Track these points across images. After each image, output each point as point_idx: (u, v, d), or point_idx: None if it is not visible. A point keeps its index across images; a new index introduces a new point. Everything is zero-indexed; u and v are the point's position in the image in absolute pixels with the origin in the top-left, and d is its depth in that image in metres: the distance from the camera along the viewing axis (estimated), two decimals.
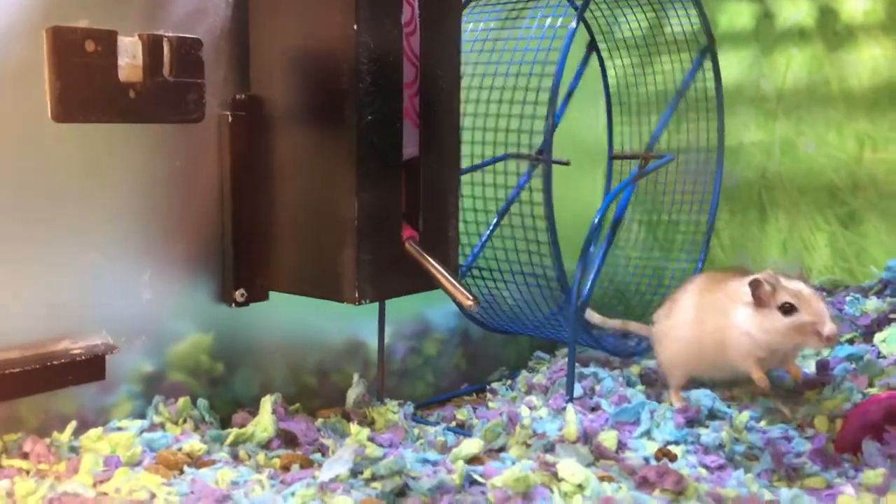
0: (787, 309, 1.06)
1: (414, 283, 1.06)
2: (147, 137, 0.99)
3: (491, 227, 1.30)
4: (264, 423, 1.02)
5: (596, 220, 1.21)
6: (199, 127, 1.02)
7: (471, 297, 1.02)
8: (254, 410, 1.07)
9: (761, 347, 1.09)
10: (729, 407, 1.14)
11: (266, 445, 1.00)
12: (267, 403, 1.04)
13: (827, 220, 1.48)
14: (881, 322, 1.29)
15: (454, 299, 1.05)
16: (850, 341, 1.30)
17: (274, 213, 1.05)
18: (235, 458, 0.96)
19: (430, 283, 1.05)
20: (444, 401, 1.36)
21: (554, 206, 1.16)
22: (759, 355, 1.10)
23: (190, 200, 1.03)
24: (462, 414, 1.24)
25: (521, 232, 1.19)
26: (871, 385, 1.15)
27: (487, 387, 1.38)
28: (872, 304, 1.33)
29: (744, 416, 1.11)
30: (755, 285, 1.08)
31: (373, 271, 1.00)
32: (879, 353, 1.24)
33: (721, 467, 1.00)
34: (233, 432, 0.99)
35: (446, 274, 1.03)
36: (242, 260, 1.06)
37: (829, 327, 1.04)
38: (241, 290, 1.07)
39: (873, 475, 0.96)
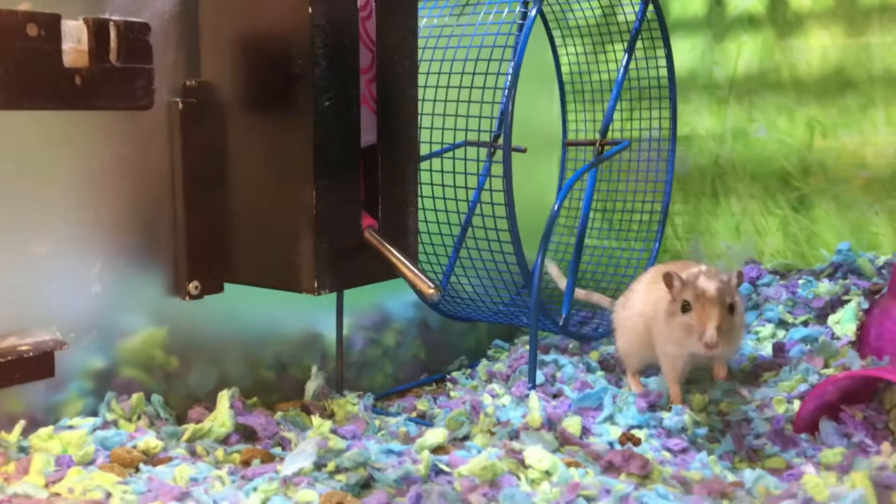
0: (685, 308, 1.02)
1: (374, 273, 1.04)
2: (93, 125, 0.95)
3: (463, 225, 1.29)
4: (222, 417, 0.99)
5: (556, 207, 1.20)
6: (147, 114, 0.98)
7: (432, 285, 1.01)
8: (210, 405, 1.04)
9: (669, 346, 1.08)
10: (688, 391, 1.15)
11: (224, 441, 0.98)
12: (224, 398, 1.01)
13: (778, 204, 1.50)
14: (834, 304, 1.31)
15: (416, 288, 1.04)
16: (805, 323, 1.32)
17: (228, 203, 1.02)
18: (193, 454, 0.93)
19: (390, 272, 1.04)
20: (403, 391, 1.35)
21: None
22: (676, 354, 1.09)
23: (140, 190, 0.99)
24: (423, 404, 1.23)
25: (480, 219, 1.18)
26: (826, 366, 1.17)
27: (447, 376, 1.37)
28: (825, 287, 1.35)
29: (703, 399, 1.12)
30: (666, 279, 1.05)
31: (332, 261, 0.98)
32: (833, 334, 1.26)
33: (684, 450, 1.01)
34: (190, 428, 0.96)
35: (407, 262, 1.02)
36: (196, 251, 1.03)
37: (708, 333, 0.98)
38: (195, 283, 1.04)
39: (831, 454, 0.98)
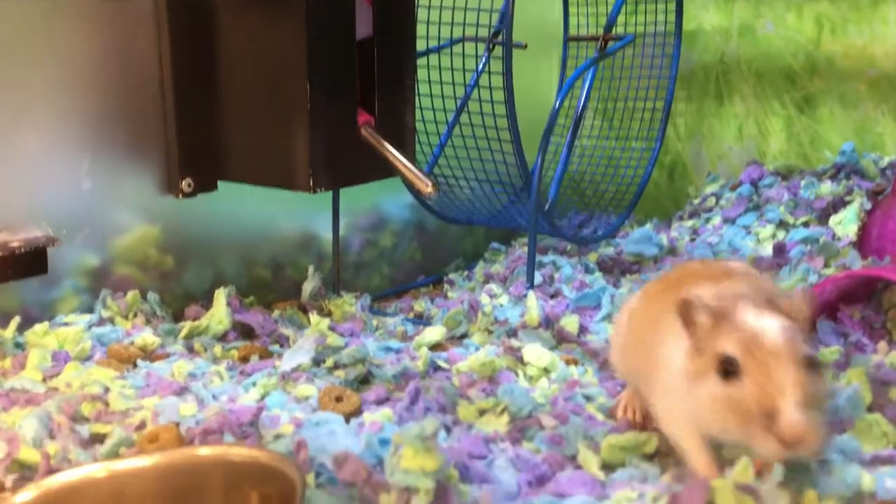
0: (727, 369, 0.59)
1: (371, 171, 1.02)
2: (77, 13, 0.91)
3: (451, 121, 1.26)
4: (219, 315, 0.99)
5: (557, 105, 1.17)
6: (134, 1, 0.94)
7: (430, 184, 0.99)
8: (207, 304, 1.03)
9: (693, 421, 0.64)
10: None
11: (222, 338, 0.97)
12: (221, 296, 1.01)
13: (783, 104, 1.47)
14: (836, 205, 1.30)
15: (413, 187, 1.02)
16: (806, 224, 1.31)
17: (220, 97, 0.99)
18: (191, 350, 0.93)
19: (387, 171, 1.01)
20: (400, 293, 1.34)
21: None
22: (696, 432, 0.64)
23: (127, 83, 0.96)
24: (420, 305, 1.22)
25: (479, 118, 1.15)
26: (826, 266, 1.16)
27: (444, 278, 1.36)
28: (827, 188, 1.34)
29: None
30: (682, 309, 0.62)
31: (327, 158, 0.96)
32: (835, 234, 1.25)
33: None
34: (187, 325, 0.96)
35: (405, 160, 0.99)
36: (187, 147, 1.00)
37: (790, 418, 0.55)
38: (188, 180, 1.02)
39: (828, 352, 0.98)
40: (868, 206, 1.26)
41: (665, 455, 0.72)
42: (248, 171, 1.01)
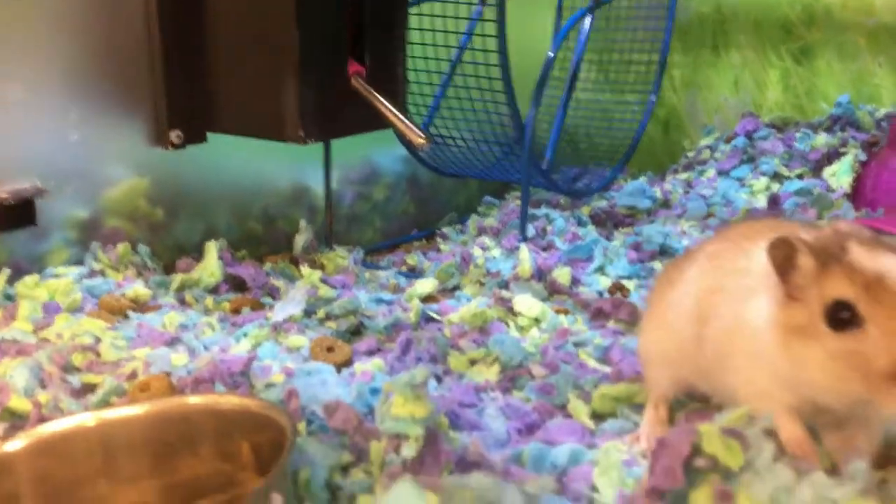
0: (842, 318, 0.50)
1: (362, 122, 1.01)
2: None
3: (447, 73, 1.24)
4: (211, 267, 0.98)
5: (551, 54, 1.16)
6: None
7: (423, 135, 0.98)
8: (198, 257, 1.03)
9: (789, 387, 0.53)
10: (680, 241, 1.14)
11: (214, 290, 0.97)
12: (212, 248, 1.00)
13: (780, 56, 1.45)
14: (831, 157, 1.29)
15: (405, 138, 1.01)
16: (800, 176, 1.30)
17: (208, 47, 0.97)
18: (182, 302, 0.93)
19: (379, 122, 1.00)
20: (393, 246, 1.34)
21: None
22: (789, 401, 0.54)
23: (114, 33, 0.94)
24: (412, 259, 1.22)
25: (472, 68, 1.14)
26: (820, 218, 1.16)
27: (437, 231, 1.36)
28: (822, 140, 1.33)
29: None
30: (778, 251, 0.53)
31: (318, 108, 0.95)
32: (829, 186, 1.24)
33: None
34: (178, 277, 0.96)
35: (396, 111, 0.98)
36: (176, 98, 0.99)
37: None
38: (177, 132, 1.00)
39: None
40: (863, 157, 1.26)
41: None
42: (237, 122, 0.99)
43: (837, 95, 1.39)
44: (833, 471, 0.53)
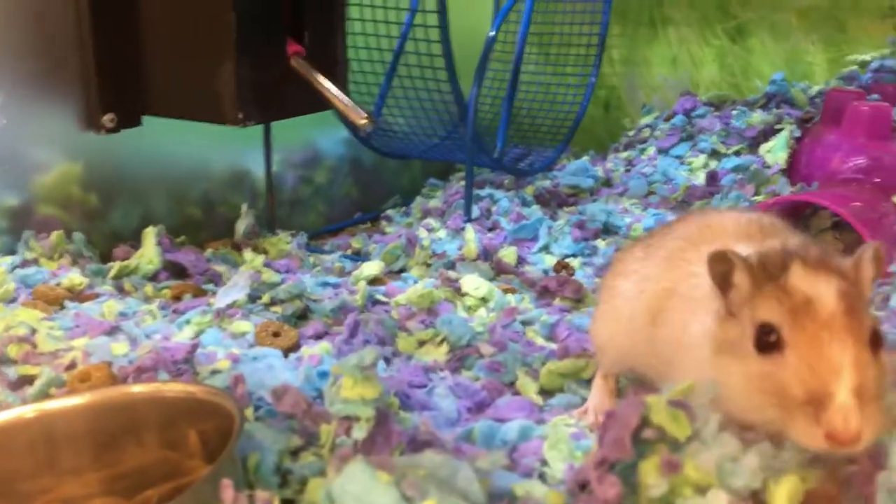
0: (768, 341, 0.49)
1: (303, 104, 0.99)
2: None
3: (396, 52, 1.22)
4: (149, 254, 0.96)
5: (492, 34, 1.15)
6: None
7: (365, 115, 0.97)
8: (136, 244, 1.00)
9: (718, 405, 0.52)
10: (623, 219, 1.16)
11: (153, 278, 0.95)
12: (150, 235, 0.98)
13: (716, 34, 1.47)
14: (767, 133, 1.32)
15: (348, 119, 1.00)
16: (737, 153, 1.33)
17: (142, 26, 0.94)
18: (121, 290, 0.90)
19: (320, 104, 0.99)
20: (337, 230, 1.32)
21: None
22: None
23: (41, 12, 0.91)
24: (357, 242, 1.21)
25: (415, 48, 1.13)
26: (757, 193, 1.19)
27: (382, 214, 1.35)
28: (758, 117, 1.36)
29: (638, 228, 1.13)
30: (716, 266, 0.52)
31: (256, 90, 0.93)
32: (765, 162, 1.27)
33: None
34: (116, 265, 0.93)
35: (338, 92, 0.97)
36: (108, 80, 0.95)
37: (843, 408, 0.45)
38: (110, 115, 0.97)
39: None
40: (797, 134, 1.28)
41: None
42: (174, 104, 0.97)
43: (772, 73, 1.42)
44: (778, 440, 0.54)
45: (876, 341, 0.47)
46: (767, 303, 0.48)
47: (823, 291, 0.48)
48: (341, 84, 1.03)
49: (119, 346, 0.74)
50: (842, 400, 0.45)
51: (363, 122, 0.96)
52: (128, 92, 0.96)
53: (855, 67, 1.37)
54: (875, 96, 1.27)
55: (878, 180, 1.14)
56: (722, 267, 0.51)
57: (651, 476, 0.50)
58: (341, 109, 0.97)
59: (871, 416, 0.45)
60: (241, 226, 1.14)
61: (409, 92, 1.16)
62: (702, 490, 0.50)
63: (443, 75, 1.10)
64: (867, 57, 1.36)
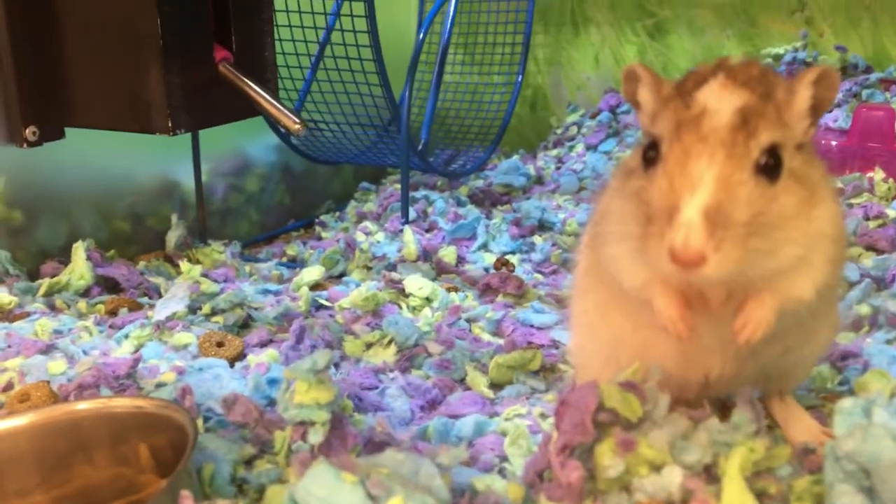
0: (649, 157, 0.46)
1: (233, 110, 0.97)
2: None
3: (315, 59, 1.21)
4: (80, 270, 0.93)
5: (421, 36, 1.16)
6: None
7: (298, 120, 0.96)
8: (64, 259, 0.97)
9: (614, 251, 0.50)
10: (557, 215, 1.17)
11: (85, 293, 0.92)
12: (79, 249, 0.95)
13: (636, 32, 1.51)
14: None
15: (279, 124, 0.99)
16: None
17: (62, 35, 0.91)
18: (52, 308, 0.87)
19: (250, 110, 0.97)
20: (271, 238, 1.31)
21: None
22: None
23: None
24: (292, 249, 1.20)
25: (343, 49, 1.12)
26: None
27: (316, 220, 1.34)
28: None
29: (572, 223, 1.15)
30: (627, 82, 0.50)
31: (185, 97, 0.91)
32: None
33: (555, 272, 1.04)
34: (45, 282, 0.90)
35: (268, 97, 0.96)
36: (29, 91, 0.92)
37: (683, 221, 0.42)
38: (32, 128, 0.94)
39: None
40: None
41: (550, 370, 0.74)
42: (99, 115, 0.94)
43: (690, 68, 1.47)
44: (725, 413, 0.56)
45: (772, 169, 0.43)
46: (663, 117, 0.45)
47: (720, 105, 0.44)
48: (273, 88, 1.02)
49: (56, 365, 0.71)
50: (686, 216, 0.41)
51: (296, 126, 0.95)
52: (50, 103, 0.93)
53: (769, 60, 1.42)
54: None
55: None
56: (631, 85, 0.49)
57: (607, 457, 0.51)
58: (273, 114, 0.96)
59: (726, 242, 0.41)
60: (173, 237, 1.11)
61: (342, 97, 1.16)
62: (657, 467, 0.51)
63: (374, 79, 1.10)
64: (780, 50, 1.41)
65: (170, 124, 0.90)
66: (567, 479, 0.49)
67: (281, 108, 0.96)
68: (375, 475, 0.47)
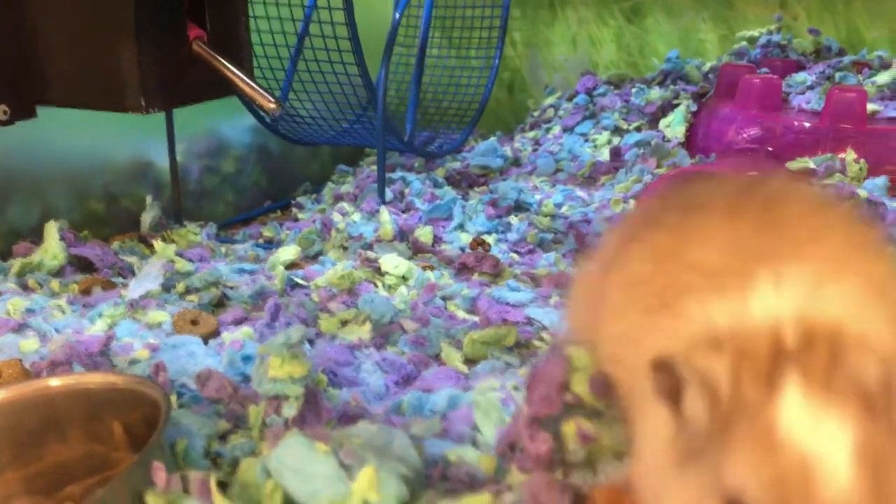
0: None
1: (207, 90, 0.97)
2: None
3: (297, 43, 1.21)
4: (52, 250, 0.92)
5: (397, 16, 1.15)
6: None
7: (273, 100, 0.95)
8: (37, 240, 0.96)
9: None
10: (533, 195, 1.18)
11: (59, 273, 0.91)
12: (52, 229, 0.94)
13: (613, 15, 1.51)
14: (665, 109, 1.37)
15: (255, 104, 0.98)
16: (638, 129, 1.37)
17: (34, 9, 0.90)
18: (25, 288, 0.86)
19: (225, 89, 0.97)
20: (247, 220, 1.30)
21: None
22: None
23: None
24: (269, 230, 1.19)
25: (318, 27, 1.12)
26: (659, 166, 1.23)
27: (292, 202, 1.33)
28: (657, 94, 1.40)
29: (549, 204, 1.15)
30: (661, 379, 0.35)
31: (159, 76, 0.90)
32: (665, 136, 1.32)
33: (531, 251, 1.04)
34: (17, 262, 0.89)
35: (243, 76, 0.95)
36: None
37: None
38: (3, 107, 0.92)
39: None
40: (694, 108, 1.34)
41: (524, 346, 0.75)
42: (71, 93, 0.93)
43: (667, 51, 1.47)
44: None
45: None
46: (740, 459, 0.31)
47: (832, 451, 0.29)
48: (247, 68, 1.01)
49: (28, 343, 0.71)
50: None
51: (272, 106, 0.94)
52: (21, 82, 0.92)
53: (744, 43, 1.43)
54: (765, 70, 1.34)
55: (772, 149, 1.20)
56: (668, 382, 0.34)
57: (571, 440, 0.51)
58: (248, 94, 0.95)
59: None
60: (147, 218, 1.11)
61: (317, 76, 1.15)
62: (619, 455, 0.51)
63: (350, 58, 1.09)
64: (755, 33, 1.42)
65: (143, 102, 0.89)
66: (536, 451, 0.49)
67: (256, 86, 0.95)
68: (348, 445, 0.48)
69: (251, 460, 0.54)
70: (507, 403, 0.63)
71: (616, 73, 1.51)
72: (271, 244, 1.13)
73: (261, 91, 0.94)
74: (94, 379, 0.59)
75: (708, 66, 1.43)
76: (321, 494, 0.45)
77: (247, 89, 0.95)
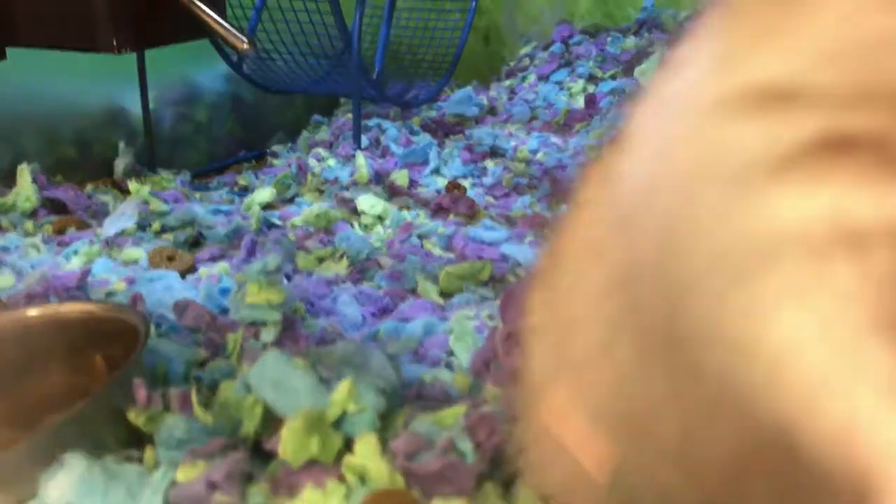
0: None
1: (179, 31, 0.96)
2: None
3: None
4: (26, 192, 0.91)
5: None
6: None
7: (245, 40, 0.95)
8: (9, 183, 0.95)
9: None
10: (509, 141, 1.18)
11: (32, 215, 0.91)
12: (25, 172, 0.93)
13: None
14: (641, 57, 1.37)
15: (227, 43, 0.97)
16: (613, 77, 1.38)
17: None
18: None
19: (197, 30, 0.96)
20: (222, 168, 1.29)
21: None
22: None
23: None
24: (244, 179, 1.19)
25: None
26: None
27: (267, 151, 1.33)
28: (632, 42, 1.41)
29: (523, 150, 1.16)
30: None
31: (131, 14, 0.89)
32: (640, 84, 1.32)
33: (506, 195, 1.05)
34: None
35: (216, 16, 0.94)
36: None
37: None
38: None
39: None
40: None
41: (499, 281, 0.76)
42: (41, 33, 0.91)
43: (643, 1, 1.47)
44: None
45: None
46: None
47: None
48: (221, 8, 1.00)
49: (4, 279, 0.71)
50: None
51: (244, 46, 0.94)
52: None
53: None
54: None
55: None
56: None
57: None
58: (220, 34, 0.94)
59: None
60: (121, 164, 1.10)
61: (293, 25, 1.14)
62: None
63: (325, 6, 1.09)
64: None
65: (114, 42, 0.88)
66: (512, 365, 0.50)
67: (228, 27, 0.94)
68: (327, 361, 0.49)
69: (229, 383, 0.55)
70: (481, 331, 0.64)
71: (592, 23, 1.51)
72: (246, 191, 1.12)
73: (233, 31, 0.94)
74: (72, 308, 0.59)
75: (683, 14, 1.43)
76: (301, 406, 0.46)
77: (219, 29, 0.94)
